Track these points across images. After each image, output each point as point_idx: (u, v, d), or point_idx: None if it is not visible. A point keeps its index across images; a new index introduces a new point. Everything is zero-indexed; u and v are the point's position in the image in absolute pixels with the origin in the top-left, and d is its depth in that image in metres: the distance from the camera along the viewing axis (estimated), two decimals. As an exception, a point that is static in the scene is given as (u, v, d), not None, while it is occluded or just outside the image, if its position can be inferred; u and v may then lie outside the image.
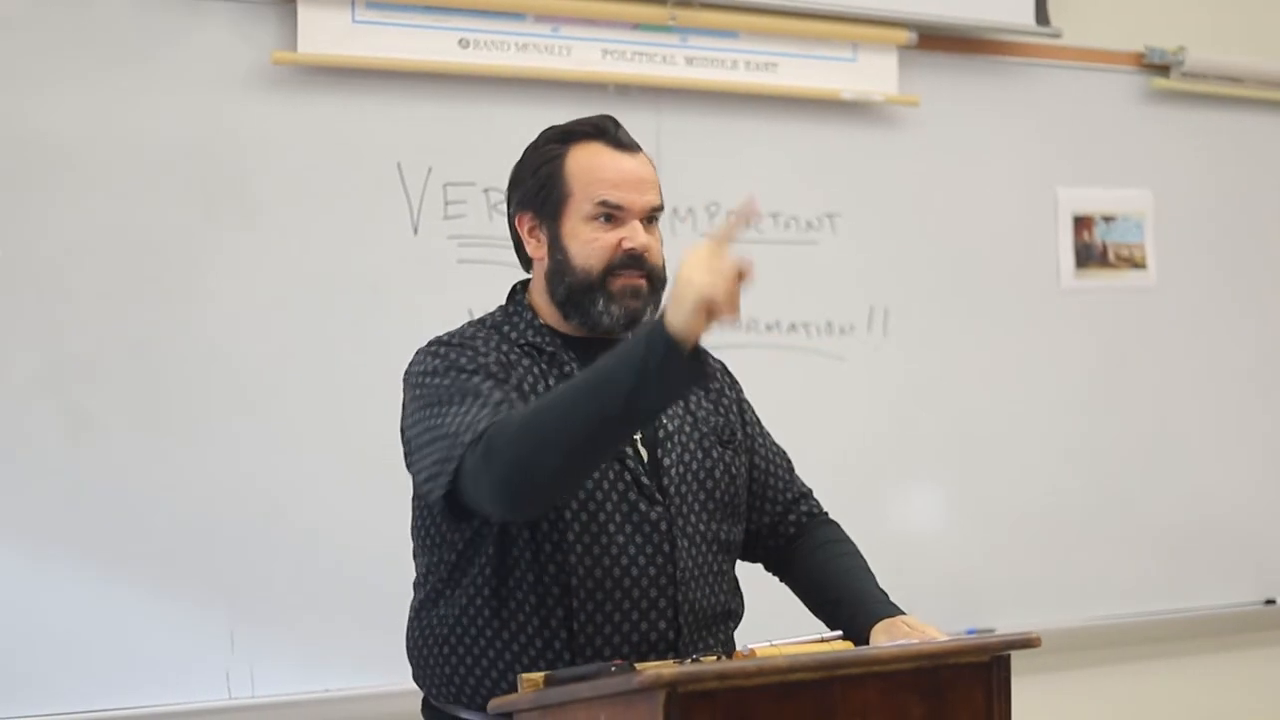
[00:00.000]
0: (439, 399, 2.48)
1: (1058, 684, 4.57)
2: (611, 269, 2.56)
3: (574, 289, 2.57)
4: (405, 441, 2.56)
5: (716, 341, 3.78)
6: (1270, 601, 4.84)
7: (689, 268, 2.21)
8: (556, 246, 2.59)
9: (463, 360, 2.52)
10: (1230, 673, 4.88)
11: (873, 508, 4.19)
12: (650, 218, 2.61)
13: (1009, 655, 2.34)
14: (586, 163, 2.59)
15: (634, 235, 2.57)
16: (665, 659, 2.48)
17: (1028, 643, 2.34)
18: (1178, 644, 4.78)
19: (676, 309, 2.20)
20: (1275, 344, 4.91)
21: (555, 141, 2.63)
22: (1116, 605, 4.62)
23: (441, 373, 2.52)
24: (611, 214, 2.57)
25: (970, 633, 4.13)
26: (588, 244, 2.56)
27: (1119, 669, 4.70)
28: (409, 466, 2.55)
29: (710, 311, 2.20)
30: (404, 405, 2.58)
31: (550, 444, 2.29)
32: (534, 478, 2.31)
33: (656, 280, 2.60)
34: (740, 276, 2.21)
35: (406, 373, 2.59)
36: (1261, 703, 4.94)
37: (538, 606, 2.49)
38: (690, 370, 2.24)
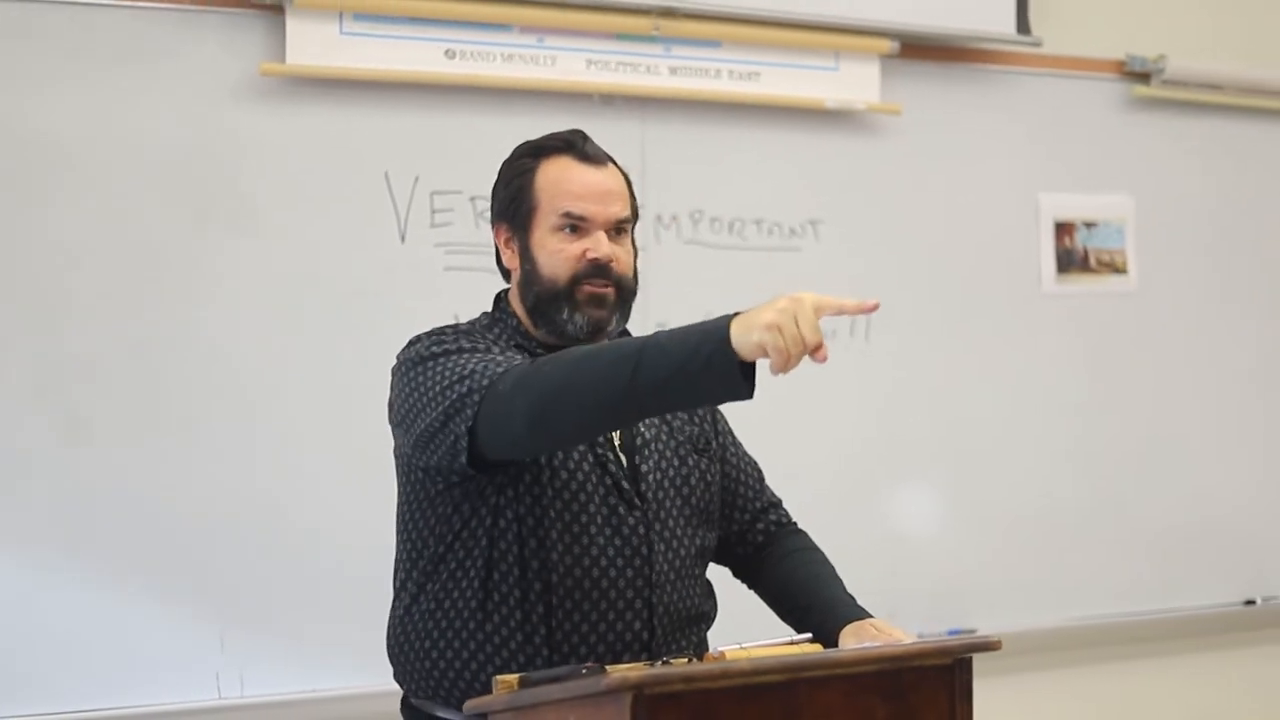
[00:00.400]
0: (450, 359, 2.54)
1: (1044, 683, 4.64)
2: (577, 279, 2.62)
3: (541, 297, 2.64)
4: (405, 407, 2.59)
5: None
6: (1250, 602, 4.89)
7: (789, 305, 2.22)
8: (526, 257, 2.67)
9: (466, 342, 2.60)
10: (1214, 672, 4.93)
11: (858, 511, 4.25)
12: (618, 229, 2.67)
13: (971, 658, 2.37)
14: (554, 176, 2.66)
15: (597, 245, 2.63)
16: (640, 659, 2.54)
17: (988, 646, 2.38)
18: (1163, 644, 4.83)
19: (746, 326, 2.23)
20: (1258, 347, 4.95)
21: (527, 156, 2.71)
22: (1102, 606, 4.67)
23: (450, 342, 2.60)
24: (576, 225, 2.64)
25: (952, 633, 4.20)
26: (554, 254, 2.63)
27: (1105, 668, 4.75)
28: (409, 431, 2.58)
29: (765, 351, 2.22)
30: (399, 383, 2.62)
31: (590, 388, 2.34)
32: (564, 414, 2.37)
33: (625, 289, 2.67)
34: (813, 350, 2.23)
35: (401, 357, 2.65)
36: (1244, 702, 4.99)
37: (521, 601, 2.55)
38: (730, 377, 2.25)
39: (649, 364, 2.29)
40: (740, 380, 2.24)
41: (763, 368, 2.25)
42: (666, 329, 2.38)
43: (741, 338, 2.22)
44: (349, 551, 3.61)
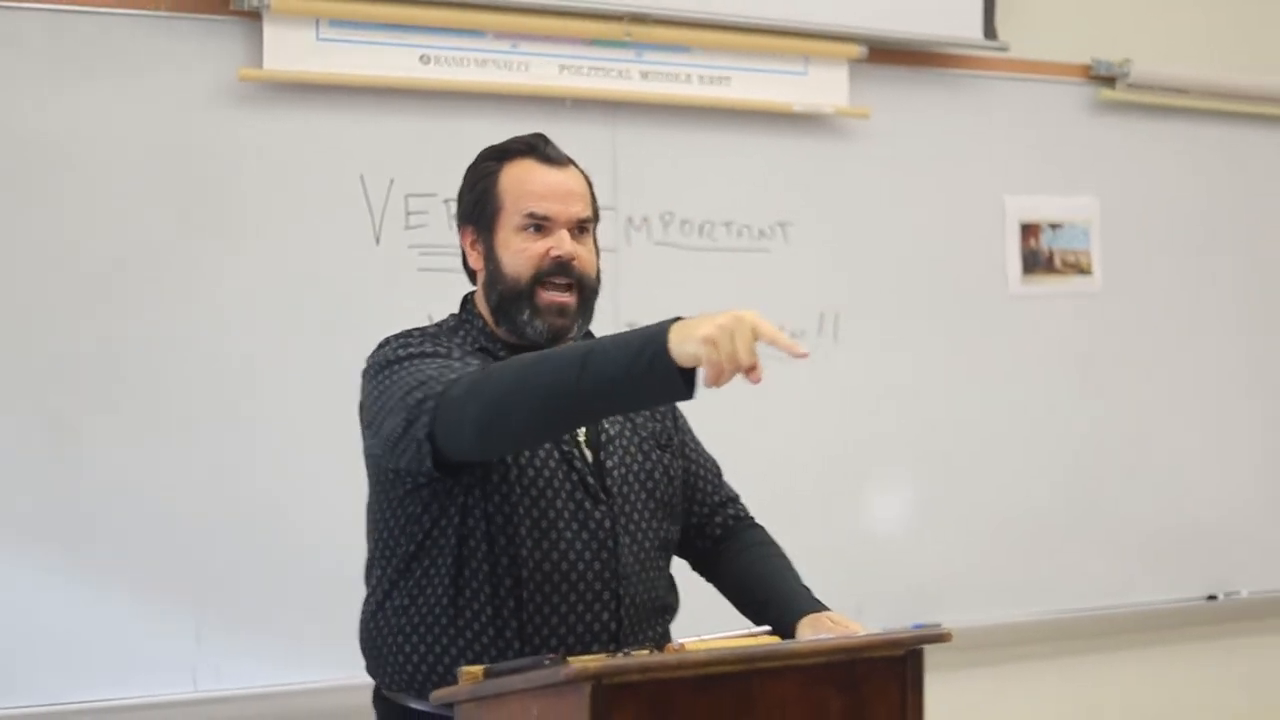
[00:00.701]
0: (412, 363, 2.59)
1: (1011, 676, 4.71)
2: (540, 277, 2.69)
3: (505, 296, 2.71)
4: (373, 411, 2.64)
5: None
6: (1212, 597, 4.96)
7: (729, 322, 2.26)
8: (491, 257, 2.73)
9: (430, 346, 2.66)
10: (1177, 666, 5.00)
11: (828, 509, 4.31)
12: (580, 228, 2.73)
13: (922, 650, 2.43)
14: (517, 177, 2.73)
15: (560, 243, 2.69)
16: (609, 649, 2.60)
17: (938, 638, 2.43)
18: (1128, 637, 4.89)
19: (684, 335, 2.27)
20: (1221, 347, 5.02)
21: (491, 159, 2.78)
22: (1068, 601, 4.73)
23: (415, 346, 2.65)
24: (540, 224, 2.70)
25: (916, 627, 4.24)
26: (518, 253, 2.70)
27: (1071, 661, 4.82)
28: (376, 434, 2.63)
29: (700, 361, 2.27)
30: (367, 386, 2.67)
31: (539, 392, 2.39)
32: (514, 419, 2.42)
33: (587, 288, 2.73)
34: (746, 370, 2.27)
35: (371, 361, 2.70)
36: (1206, 695, 5.06)
37: (491, 597, 2.61)
38: (670, 380, 2.30)
39: (594, 368, 2.35)
40: (680, 384, 2.29)
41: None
42: (612, 334, 2.44)
43: (679, 346, 2.27)
44: (323, 547, 3.65)
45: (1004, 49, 4.58)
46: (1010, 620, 4.62)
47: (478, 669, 2.38)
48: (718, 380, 2.27)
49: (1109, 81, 4.81)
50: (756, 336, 2.27)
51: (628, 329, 2.45)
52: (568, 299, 2.70)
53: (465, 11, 3.88)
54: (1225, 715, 5.08)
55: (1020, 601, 4.65)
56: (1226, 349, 5.04)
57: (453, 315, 2.83)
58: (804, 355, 2.32)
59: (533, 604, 2.62)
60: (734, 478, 2.99)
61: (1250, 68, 5.10)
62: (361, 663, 2.76)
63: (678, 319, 2.31)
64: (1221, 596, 4.97)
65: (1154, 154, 4.91)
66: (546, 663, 2.30)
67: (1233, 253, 5.06)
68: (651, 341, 2.31)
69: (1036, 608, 4.69)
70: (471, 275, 2.82)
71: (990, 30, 4.54)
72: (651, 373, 2.30)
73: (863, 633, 2.58)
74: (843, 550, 4.22)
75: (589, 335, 2.82)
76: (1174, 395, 4.93)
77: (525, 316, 2.69)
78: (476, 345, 2.73)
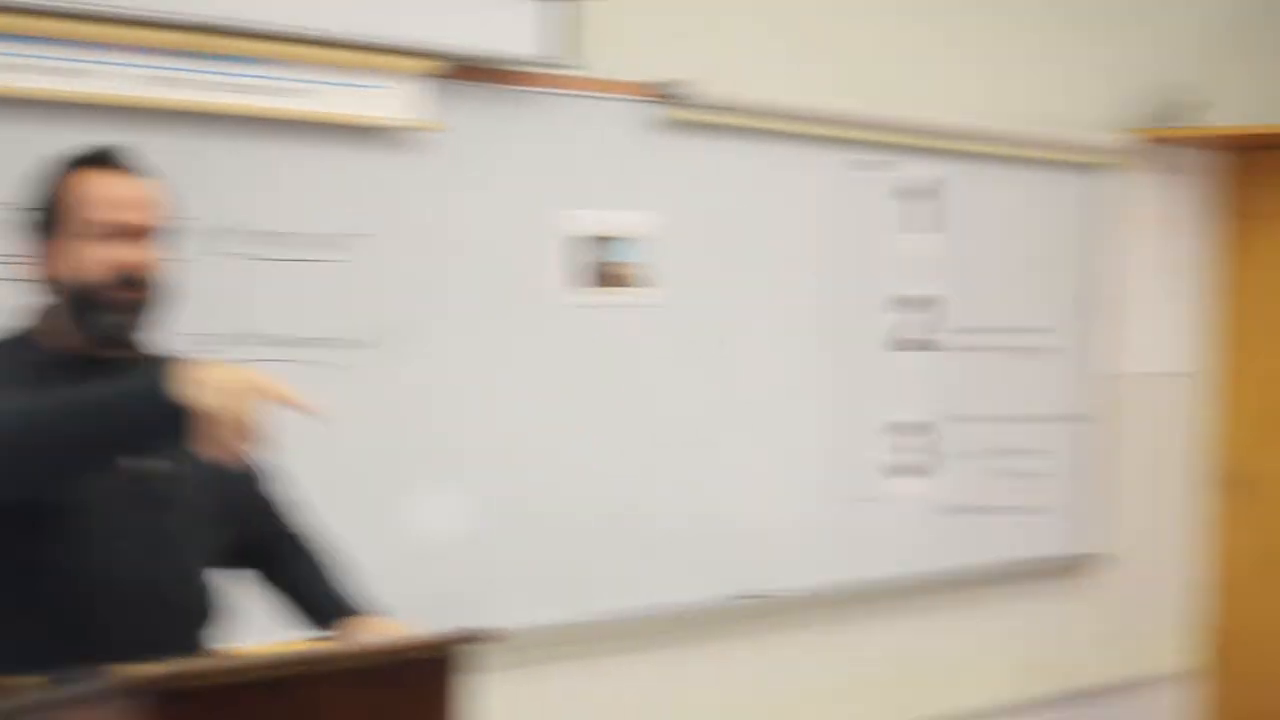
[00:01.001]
0: None
1: (562, 676, 4.87)
2: (108, 285, 2.74)
3: (73, 303, 2.75)
4: None
5: (234, 355, 3.93)
6: (742, 596, 5.18)
7: (233, 379, 2.39)
8: (58, 266, 2.77)
9: None
10: (707, 664, 5.23)
11: (377, 514, 4.33)
12: (148, 236, 2.79)
13: (466, 650, 2.58)
14: (85, 186, 2.78)
15: (128, 252, 2.75)
16: (171, 657, 2.64)
17: (479, 638, 2.59)
18: (669, 635, 5.10)
19: (192, 387, 2.38)
20: (769, 359, 5.26)
21: (59, 168, 2.82)
22: (611, 600, 4.89)
23: None
24: (108, 233, 2.75)
25: (462, 629, 4.33)
26: (85, 262, 2.74)
27: (616, 660, 5.02)
28: None
29: (203, 409, 2.38)
30: None
31: (40, 438, 2.47)
32: (23, 464, 2.48)
33: (155, 295, 2.80)
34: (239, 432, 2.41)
35: None
36: (733, 694, 5.31)
37: (49, 611, 2.65)
38: (172, 429, 2.42)
39: (91, 418, 2.46)
40: (176, 424, 2.40)
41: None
42: (110, 384, 2.54)
43: (185, 387, 2.38)
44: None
45: (577, 68, 4.71)
46: (559, 621, 4.76)
47: (27, 681, 2.41)
48: (219, 436, 2.37)
49: (675, 101, 4.97)
50: (265, 397, 2.40)
51: (198, 339, 2.50)
52: (136, 295, 2.77)
53: (38, 19, 3.82)
54: (749, 713, 5.34)
55: (570, 601, 4.79)
56: (778, 360, 5.28)
57: (10, 328, 2.85)
58: (317, 412, 2.46)
59: (91, 616, 2.67)
60: (291, 485, 3.07)
61: (806, 91, 5.34)
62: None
63: (179, 367, 2.43)
64: (751, 596, 5.19)
65: (715, 171, 5.10)
66: (95, 674, 2.32)
67: (787, 267, 5.30)
68: (154, 394, 2.41)
69: (584, 607, 4.83)
70: (39, 285, 2.84)
71: (566, 50, 4.66)
72: (150, 427, 2.43)
73: (408, 634, 2.69)
74: (393, 554, 4.24)
75: (136, 350, 2.88)
76: (724, 404, 5.14)
77: (92, 318, 2.74)
78: (29, 359, 2.76)
